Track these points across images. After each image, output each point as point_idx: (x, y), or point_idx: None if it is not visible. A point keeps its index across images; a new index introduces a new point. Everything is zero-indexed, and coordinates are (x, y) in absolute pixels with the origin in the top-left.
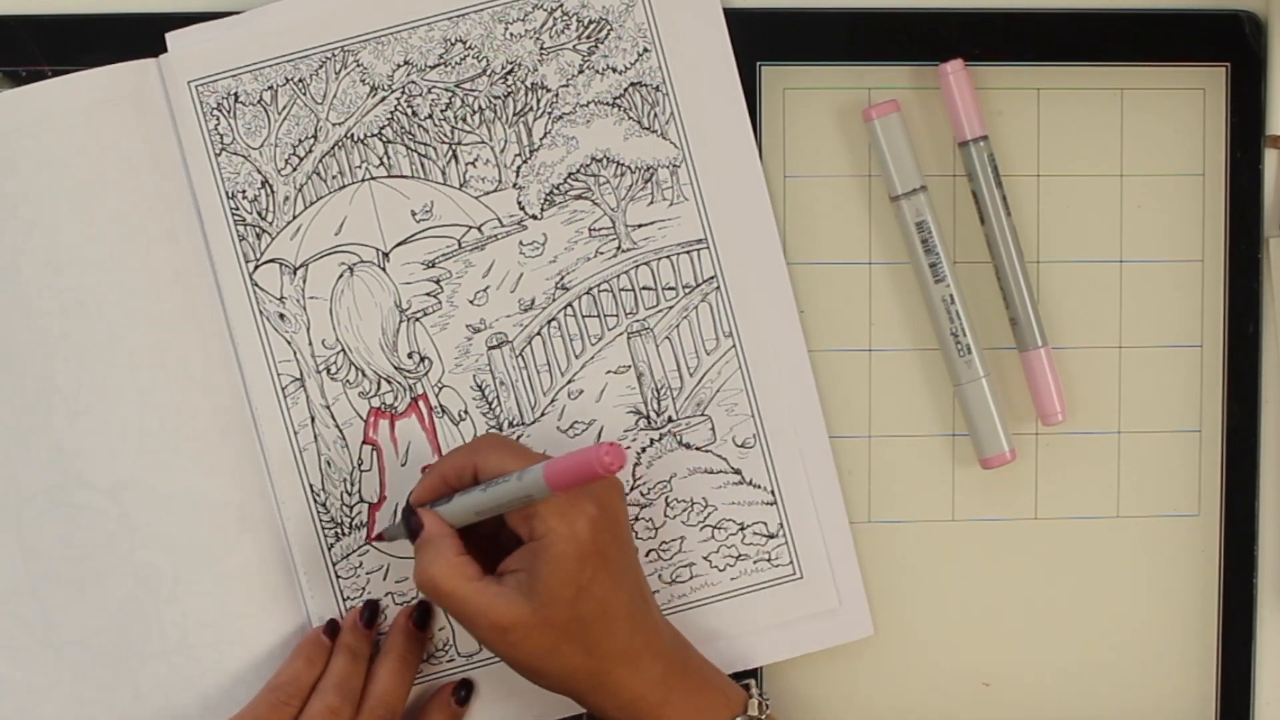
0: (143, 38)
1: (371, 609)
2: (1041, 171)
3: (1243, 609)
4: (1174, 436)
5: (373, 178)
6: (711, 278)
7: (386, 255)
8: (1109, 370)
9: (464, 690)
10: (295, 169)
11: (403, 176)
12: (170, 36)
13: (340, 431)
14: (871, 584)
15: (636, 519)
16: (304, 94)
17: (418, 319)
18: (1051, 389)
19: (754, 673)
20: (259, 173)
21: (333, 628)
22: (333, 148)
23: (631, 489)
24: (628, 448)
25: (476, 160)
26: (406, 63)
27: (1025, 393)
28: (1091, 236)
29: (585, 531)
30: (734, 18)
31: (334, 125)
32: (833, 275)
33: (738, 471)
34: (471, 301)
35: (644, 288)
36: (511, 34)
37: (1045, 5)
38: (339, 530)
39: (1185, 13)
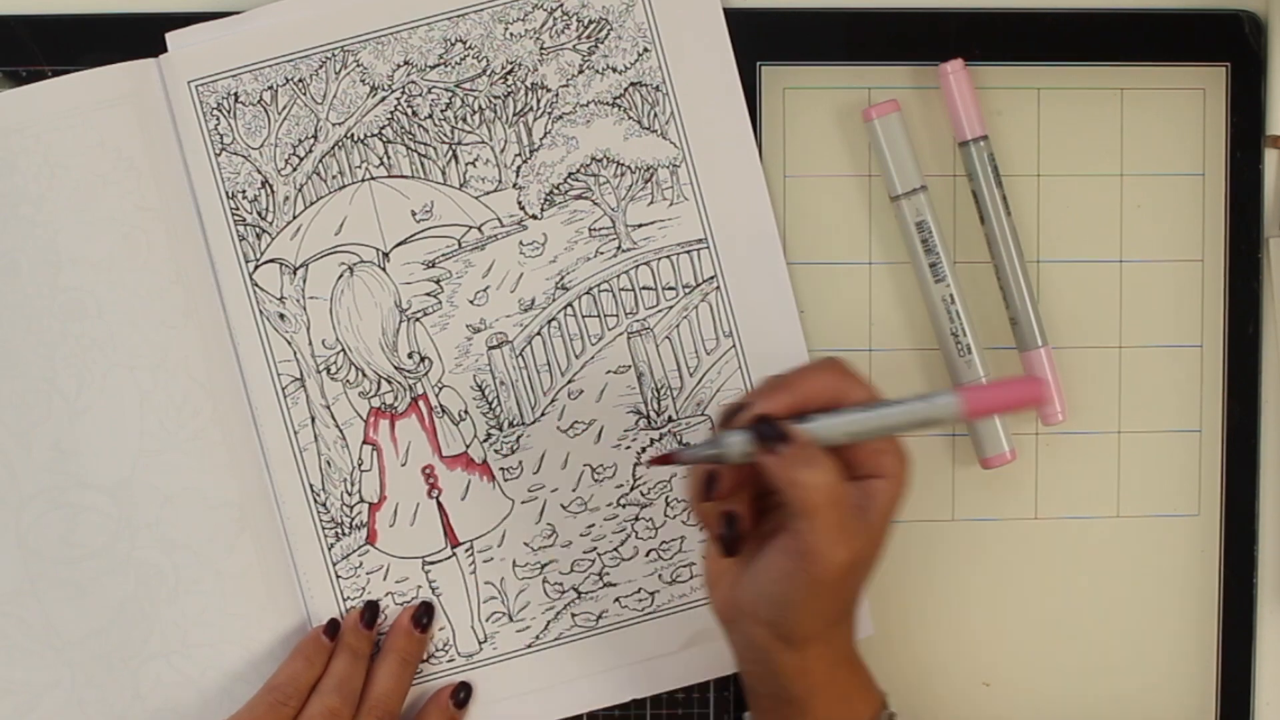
0: (143, 38)
1: (372, 610)
2: (1041, 171)
3: (1243, 609)
4: (1174, 436)
5: (373, 178)
6: (711, 277)
7: (387, 255)
8: (1109, 370)
9: (463, 693)
10: (295, 169)
11: (403, 176)
12: (170, 36)
13: (340, 431)
14: (871, 584)
15: (636, 519)
16: (304, 94)
17: (418, 319)
18: (1051, 389)
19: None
20: (259, 173)
21: (333, 628)
22: (333, 148)
23: (632, 489)
24: (627, 448)
25: (476, 160)
26: (406, 63)
27: None
28: (1091, 236)
29: (907, 488)
30: (734, 18)
31: (334, 125)
32: (833, 275)
33: None
34: (472, 301)
35: (644, 288)
36: (511, 34)
37: (1045, 5)
38: (339, 530)
39: (1185, 13)
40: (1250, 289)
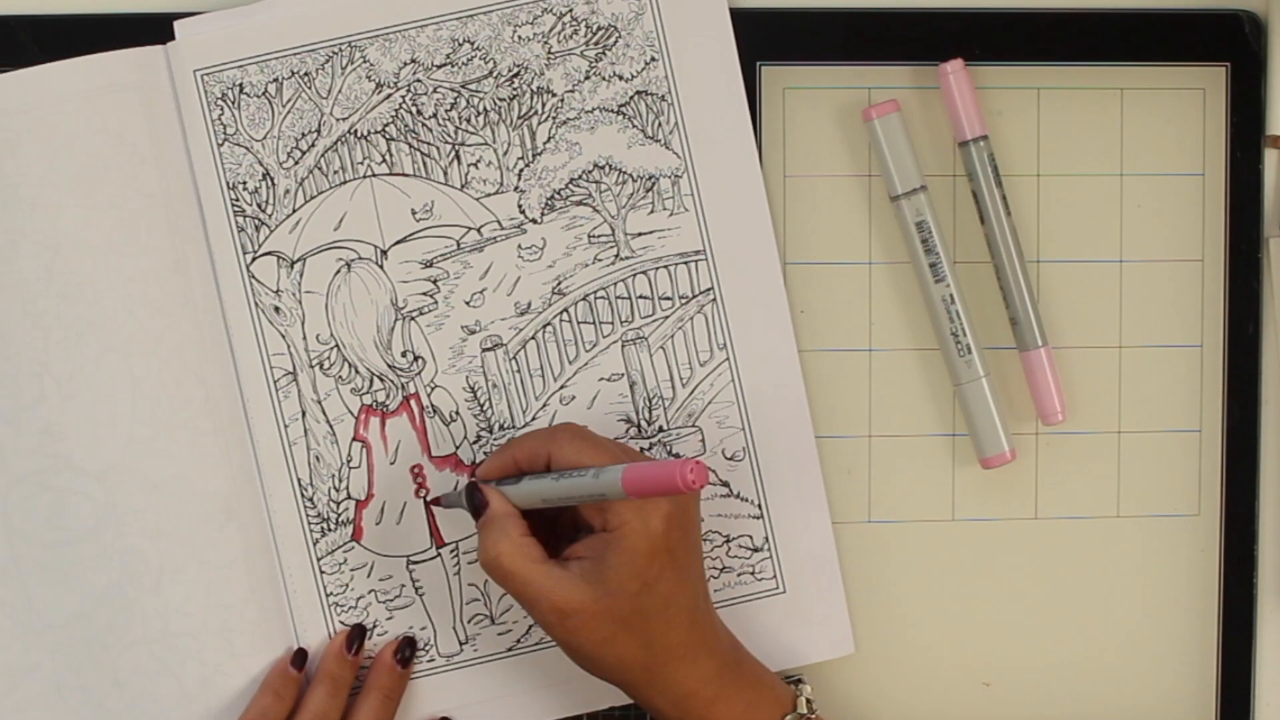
0: (143, 38)
1: (357, 636)
2: (1041, 171)
3: (1243, 609)
4: (1174, 436)
5: (374, 175)
6: (708, 290)
7: (385, 253)
8: (1109, 370)
9: (407, 649)
10: (297, 162)
11: (404, 175)
12: (179, 25)
13: (330, 427)
14: (871, 584)
15: None
16: (309, 88)
17: (413, 318)
18: (1051, 389)
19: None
20: (260, 164)
21: (300, 658)
22: (335, 143)
23: None
24: None
25: (479, 162)
26: (413, 61)
27: (1025, 393)
28: (1091, 236)
29: (659, 528)
30: (734, 18)
31: (338, 120)
32: (833, 275)
33: (726, 484)
34: (468, 303)
35: (640, 296)
36: (520, 37)
37: (1045, 5)
38: (325, 526)
39: (1185, 13)
40: (1250, 289)
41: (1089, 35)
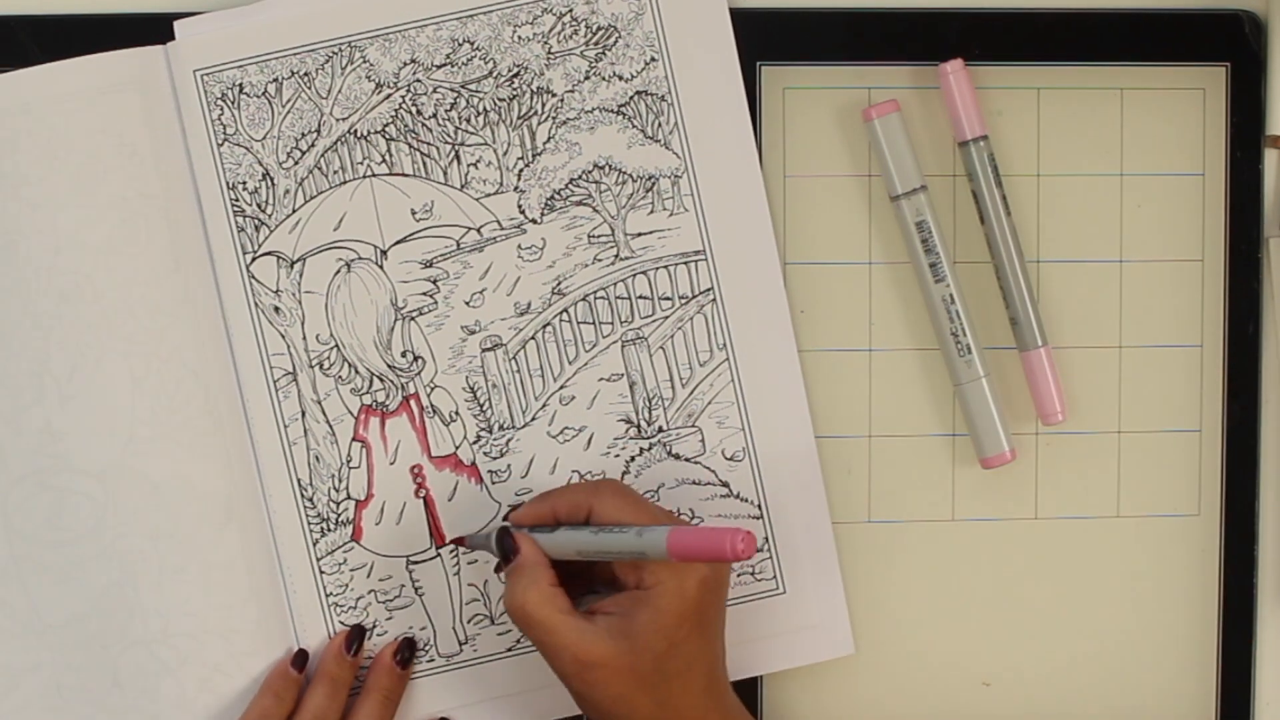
0: (143, 38)
1: (357, 637)
2: (1041, 171)
3: (1243, 609)
4: (1174, 436)
5: (374, 175)
6: (708, 290)
7: (385, 253)
8: (1109, 370)
9: (406, 650)
10: (297, 162)
11: (404, 175)
12: (179, 25)
13: (330, 427)
14: (871, 584)
15: None
16: (309, 88)
17: (413, 318)
18: (1051, 389)
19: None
20: (260, 164)
21: (300, 659)
22: (335, 143)
23: None
24: (616, 456)
25: (479, 162)
26: (413, 61)
27: (1025, 393)
28: (1091, 236)
29: (694, 592)
30: (734, 18)
31: (338, 120)
32: (833, 275)
33: (725, 484)
34: (468, 303)
35: (640, 297)
36: (519, 37)
37: (1045, 5)
38: (325, 526)
39: (1185, 13)
40: (1250, 289)
41: (1089, 35)
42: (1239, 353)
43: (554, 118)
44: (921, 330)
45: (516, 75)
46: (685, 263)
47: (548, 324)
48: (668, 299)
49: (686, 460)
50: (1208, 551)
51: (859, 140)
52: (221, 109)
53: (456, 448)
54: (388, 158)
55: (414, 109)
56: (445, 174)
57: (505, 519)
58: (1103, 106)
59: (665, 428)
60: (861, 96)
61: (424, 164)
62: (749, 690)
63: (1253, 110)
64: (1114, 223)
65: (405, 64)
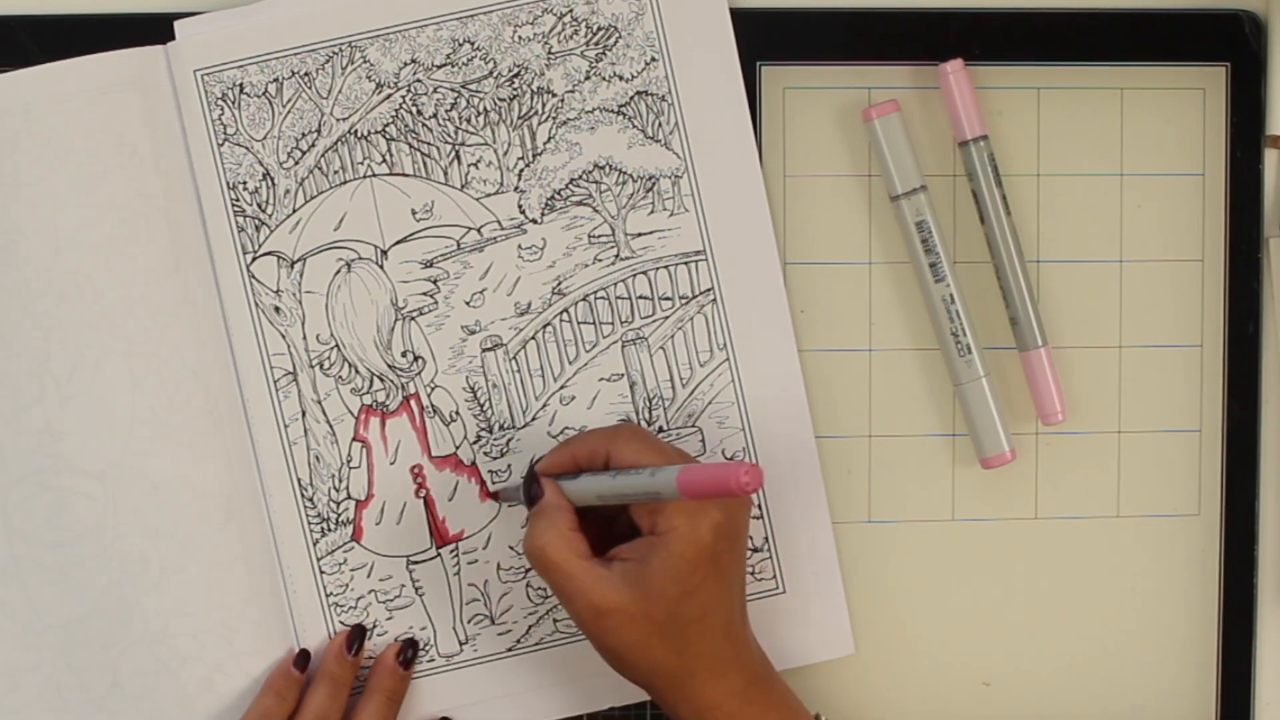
0: (143, 38)
1: (358, 637)
2: (1041, 171)
3: (1243, 609)
4: (1174, 436)
5: (375, 175)
6: (708, 290)
7: (385, 253)
8: (1109, 370)
9: (409, 650)
10: (297, 162)
11: (405, 175)
12: (179, 25)
13: (330, 427)
14: (871, 584)
15: None
16: (309, 88)
17: (413, 318)
18: (1051, 389)
19: None
20: (261, 164)
21: (303, 659)
22: (336, 143)
23: None
24: None
25: (479, 162)
26: (413, 61)
27: (1025, 393)
28: (1091, 236)
29: (707, 536)
30: (734, 18)
31: (338, 120)
32: (833, 275)
33: None
34: (468, 303)
35: (640, 297)
36: (520, 37)
37: (1045, 5)
38: (325, 526)
39: (1185, 13)
40: (1250, 289)
41: (1089, 35)
42: (1239, 353)
43: (554, 118)
44: (921, 330)
45: (517, 75)
46: (685, 263)
47: (548, 324)
48: (668, 299)
49: None
50: (1208, 551)
51: (859, 140)
52: (222, 109)
53: (457, 448)
54: (388, 158)
55: (414, 109)
56: (445, 174)
57: (533, 465)
58: (1103, 106)
59: (665, 428)
60: (861, 96)
61: (424, 164)
62: None
63: (1253, 110)
64: (1114, 223)
65: (406, 64)
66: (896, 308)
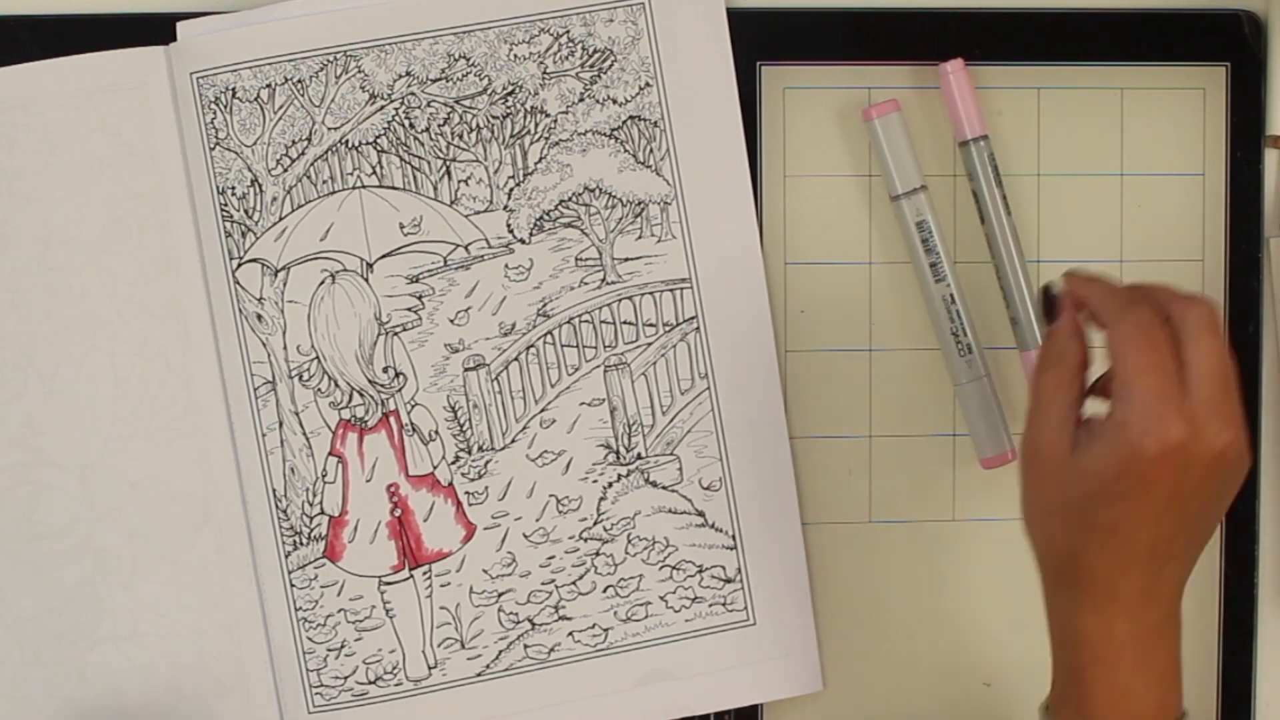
0: (143, 38)
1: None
2: (1041, 171)
3: (1243, 609)
4: None
5: (364, 186)
6: (692, 318)
7: (370, 266)
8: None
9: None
10: (286, 170)
11: (394, 188)
12: (181, 26)
13: (307, 440)
14: (871, 585)
15: (597, 554)
16: (302, 95)
17: (396, 333)
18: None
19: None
20: (249, 170)
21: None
22: (326, 152)
23: (595, 523)
24: (594, 482)
25: (469, 179)
26: (408, 73)
27: (1025, 393)
28: (1091, 236)
29: (1151, 450)
30: (734, 18)
31: (329, 129)
32: (833, 275)
33: (701, 514)
34: (452, 321)
35: (625, 322)
36: (516, 55)
37: (1045, 5)
38: (297, 539)
39: (1185, 13)
40: (1250, 289)
41: (1089, 35)
42: (1239, 352)
43: (546, 138)
44: (921, 330)
45: (511, 94)
46: (671, 290)
47: (531, 345)
48: (652, 325)
49: (663, 488)
50: (1207, 551)
51: (859, 140)
52: (214, 112)
53: (434, 468)
54: (378, 169)
55: (407, 122)
56: (435, 189)
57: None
58: (1103, 106)
59: (644, 454)
60: (861, 96)
61: (414, 178)
62: None
63: (1253, 110)
64: (1114, 223)
65: (400, 76)
66: (896, 308)
